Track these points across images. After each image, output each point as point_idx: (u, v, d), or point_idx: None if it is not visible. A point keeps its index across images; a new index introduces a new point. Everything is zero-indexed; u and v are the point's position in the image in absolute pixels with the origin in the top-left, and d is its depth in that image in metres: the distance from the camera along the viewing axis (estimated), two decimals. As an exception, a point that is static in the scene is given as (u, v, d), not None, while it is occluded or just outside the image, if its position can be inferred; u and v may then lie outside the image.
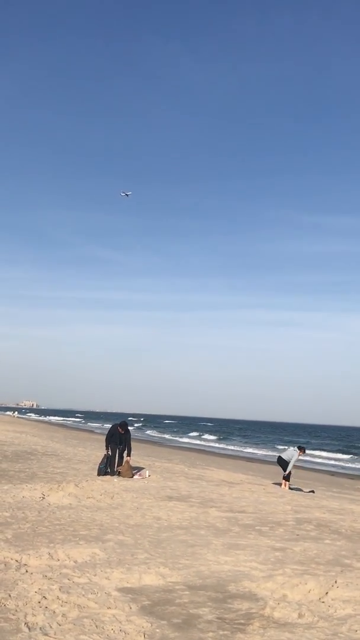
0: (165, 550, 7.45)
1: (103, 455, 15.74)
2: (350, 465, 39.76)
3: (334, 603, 5.56)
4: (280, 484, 17.01)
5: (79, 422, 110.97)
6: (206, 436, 74.20)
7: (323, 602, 5.63)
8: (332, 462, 41.70)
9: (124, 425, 16.06)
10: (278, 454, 18.09)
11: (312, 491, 16.73)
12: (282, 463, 17.15)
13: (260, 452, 50.00)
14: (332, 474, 30.39)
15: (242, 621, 4.97)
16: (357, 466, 39.03)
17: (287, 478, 16.95)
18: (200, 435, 73.90)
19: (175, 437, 69.98)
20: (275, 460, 17.85)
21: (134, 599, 5.42)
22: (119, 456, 15.70)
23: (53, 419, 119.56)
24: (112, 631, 4.57)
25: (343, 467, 37.24)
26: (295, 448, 17.73)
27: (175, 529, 8.88)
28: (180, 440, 63.17)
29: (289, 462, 17.06)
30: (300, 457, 17.87)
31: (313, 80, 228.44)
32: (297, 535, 9.01)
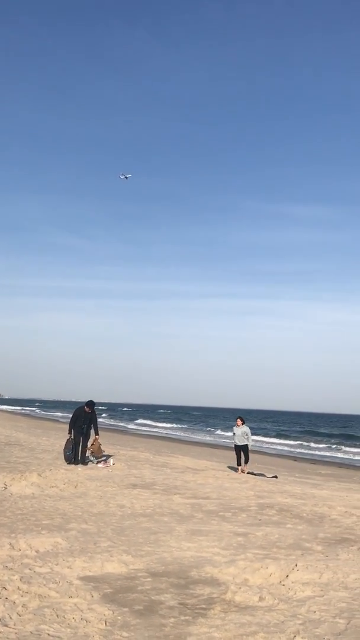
0: (128, 537, 7.46)
1: (66, 441, 15.56)
2: (307, 451, 40.65)
3: (294, 586, 5.67)
4: (236, 469, 17.16)
5: (34, 411, 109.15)
6: (147, 422, 75.66)
7: (283, 585, 5.73)
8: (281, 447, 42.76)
9: (92, 404, 15.81)
10: (233, 442, 17.90)
11: (275, 476, 16.98)
12: (241, 449, 17.20)
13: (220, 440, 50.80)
14: (295, 459, 30.94)
15: (204, 606, 5.02)
16: (317, 452, 39.89)
17: (246, 462, 17.13)
18: (144, 423, 74.46)
19: (124, 423, 71.09)
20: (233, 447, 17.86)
21: (96, 587, 5.41)
22: (85, 437, 15.51)
23: (8, 407, 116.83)
24: (73, 620, 4.55)
25: (299, 452, 37.99)
26: (238, 425, 17.35)
27: (138, 517, 8.90)
28: (127, 427, 63.52)
29: (248, 443, 17.12)
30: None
31: (281, 68, 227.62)
32: (260, 520, 9.14)
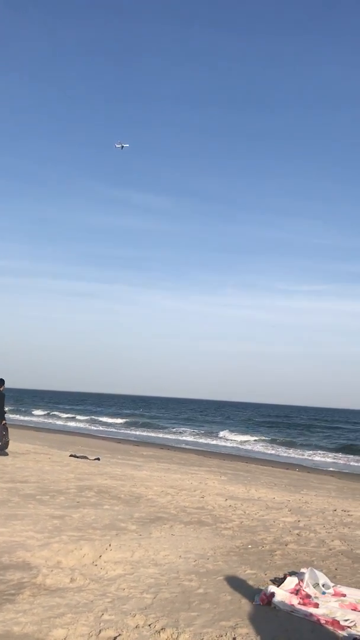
0: None
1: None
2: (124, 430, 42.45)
3: (106, 565, 5.78)
4: None
5: None
6: None
7: (96, 565, 5.82)
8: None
9: (2, 382, 14.46)
10: None
11: (98, 458, 17.16)
12: None
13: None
14: (119, 441, 31.53)
15: (13, 591, 4.90)
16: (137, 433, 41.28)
17: None
18: None
19: None
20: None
21: None
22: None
23: None
24: None
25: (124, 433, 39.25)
26: None
27: None
28: None
29: None
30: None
31: (126, 44, 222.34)
32: (78, 502, 9.16)
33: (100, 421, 54.55)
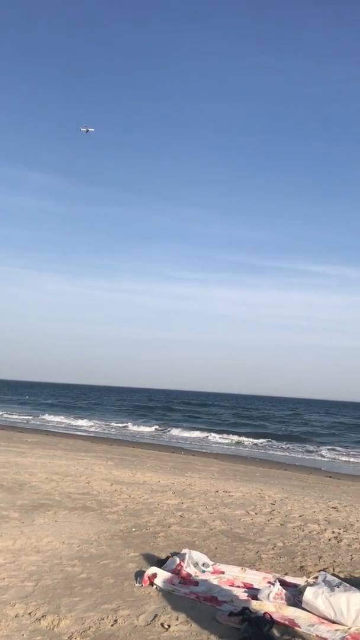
0: None
1: None
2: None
3: (-14, 555, 5.60)
4: None
5: None
6: None
7: (-26, 555, 5.62)
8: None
9: None
10: None
11: (-21, 446, 16.50)
12: None
13: None
14: (2, 427, 30.50)
15: None
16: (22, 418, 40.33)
17: None
18: None
19: None
20: None
21: None
22: None
23: None
24: None
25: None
26: None
27: None
28: None
29: None
30: None
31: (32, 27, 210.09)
32: None
33: None
